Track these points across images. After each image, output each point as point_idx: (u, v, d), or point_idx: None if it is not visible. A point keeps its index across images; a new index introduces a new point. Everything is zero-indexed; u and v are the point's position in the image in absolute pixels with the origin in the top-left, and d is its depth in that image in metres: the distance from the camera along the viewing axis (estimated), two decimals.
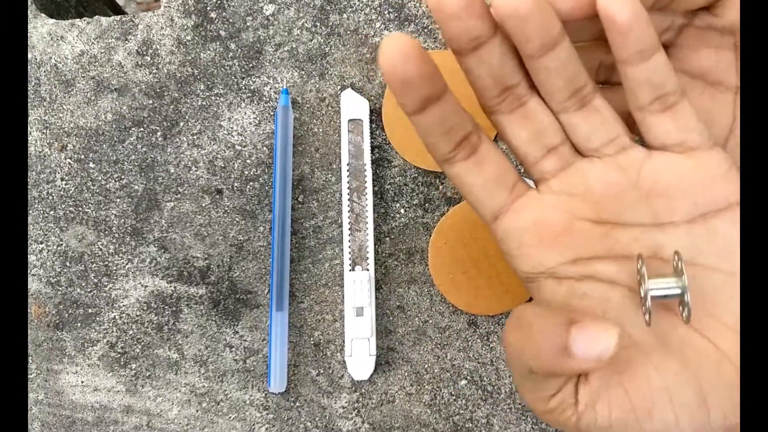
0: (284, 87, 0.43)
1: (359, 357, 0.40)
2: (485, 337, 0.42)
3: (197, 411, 0.41)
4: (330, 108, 0.43)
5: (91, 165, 0.43)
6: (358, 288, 0.40)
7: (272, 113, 0.43)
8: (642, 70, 0.24)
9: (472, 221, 0.42)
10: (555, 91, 0.25)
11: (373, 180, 0.42)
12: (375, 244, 0.42)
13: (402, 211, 0.42)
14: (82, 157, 0.43)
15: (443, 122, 0.24)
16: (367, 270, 0.41)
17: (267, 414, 0.41)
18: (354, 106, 0.42)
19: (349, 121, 0.42)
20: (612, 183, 0.25)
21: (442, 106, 0.24)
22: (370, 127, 0.43)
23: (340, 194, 0.42)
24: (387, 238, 0.42)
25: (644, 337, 0.24)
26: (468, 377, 0.41)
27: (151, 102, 0.43)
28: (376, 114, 0.43)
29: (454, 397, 0.41)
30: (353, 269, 0.41)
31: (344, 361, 0.41)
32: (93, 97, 0.43)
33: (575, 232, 0.25)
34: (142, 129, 0.43)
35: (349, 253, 0.41)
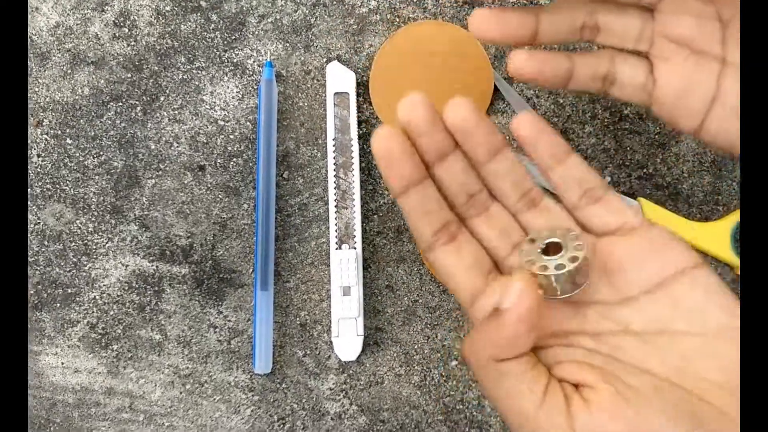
0: (268, 60, 0.41)
1: (346, 337, 0.39)
2: None
3: (181, 393, 0.40)
4: (315, 81, 0.42)
5: (69, 141, 0.41)
6: (345, 267, 0.39)
7: (256, 87, 0.41)
8: (561, 172, 0.28)
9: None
10: (505, 194, 0.29)
11: (361, 156, 0.41)
12: (362, 222, 0.41)
13: None
14: (59, 132, 0.41)
15: (425, 204, 0.28)
16: (355, 248, 0.40)
17: (252, 396, 0.40)
18: (340, 78, 0.41)
19: (335, 94, 0.41)
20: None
21: (425, 189, 0.28)
22: (357, 100, 0.41)
23: (326, 170, 0.41)
24: (375, 216, 0.41)
25: (640, 383, 0.25)
26: (459, 358, 0.40)
27: (129, 75, 0.41)
28: (363, 87, 0.41)
29: (444, 378, 0.40)
30: (340, 248, 0.40)
31: (331, 342, 0.40)
32: (69, 71, 0.41)
33: (549, 313, 0.28)
34: (120, 104, 0.41)
35: (336, 231, 0.40)
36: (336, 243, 0.40)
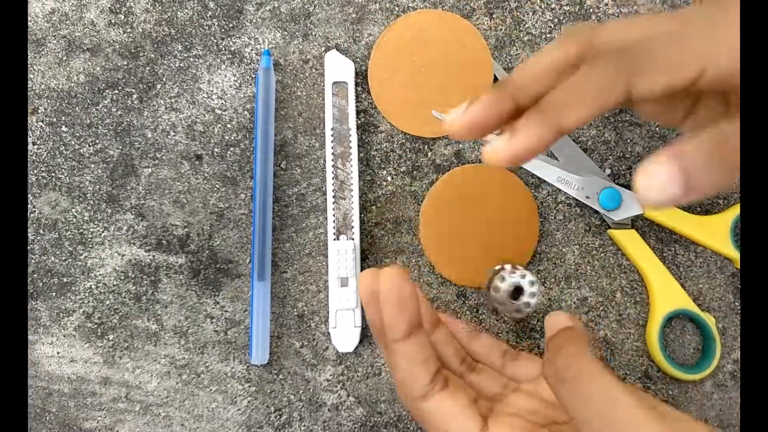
0: (266, 48, 0.41)
1: (344, 328, 0.39)
2: (475, 309, 0.40)
3: (177, 383, 0.40)
4: (314, 70, 0.41)
5: (64, 129, 0.41)
6: (343, 258, 0.39)
7: (253, 76, 0.41)
8: (478, 343, 0.36)
9: (463, 192, 0.40)
10: (447, 360, 0.35)
11: (359, 146, 0.41)
12: (360, 213, 0.40)
13: (389, 178, 0.41)
14: (54, 120, 0.41)
15: (422, 350, 0.29)
16: (353, 239, 0.40)
17: (249, 386, 0.40)
18: (338, 68, 0.40)
19: (334, 83, 0.40)
20: (527, 406, 0.33)
21: (420, 336, 0.29)
22: (356, 90, 0.41)
23: (324, 160, 0.41)
24: (373, 207, 0.41)
25: None
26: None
27: (125, 63, 0.41)
28: (362, 77, 0.41)
29: None
30: (338, 238, 0.40)
31: (329, 333, 0.40)
32: (65, 58, 0.41)
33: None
34: (116, 91, 0.41)
35: (333, 221, 0.40)
36: (334, 234, 0.39)
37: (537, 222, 0.40)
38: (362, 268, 0.40)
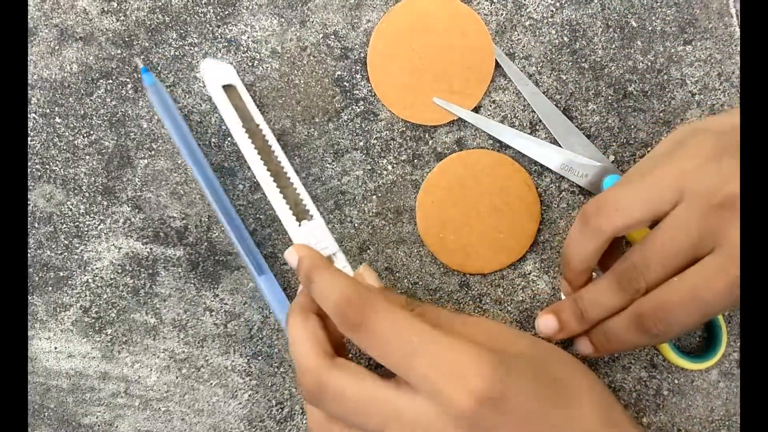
0: (143, 67, 0.38)
1: None
2: (478, 299, 0.40)
3: (177, 377, 0.40)
4: (312, 58, 0.40)
5: (57, 120, 0.40)
6: (319, 238, 0.35)
7: (250, 64, 0.40)
8: None
9: (460, 176, 0.39)
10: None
11: (359, 135, 0.40)
12: (361, 202, 0.40)
13: (390, 167, 0.40)
14: (48, 111, 0.40)
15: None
16: (312, 217, 0.35)
17: (250, 380, 0.39)
18: (220, 73, 0.36)
19: (224, 87, 0.36)
20: None
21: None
22: (355, 78, 0.40)
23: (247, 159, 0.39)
24: (374, 197, 0.40)
25: None
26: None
27: (119, 52, 0.40)
28: (360, 64, 0.40)
29: None
30: (300, 225, 0.35)
31: None
32: (57, 47, 0.40)
33: None
34: (110, 81, 0.40)
35: (290, 210, 0.35)
36: (297, 223, 0.35)
37: (539, 209, 0.40)
38: (364, 259, 0.40)
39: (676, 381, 0.40)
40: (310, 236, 0.35)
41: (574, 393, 0.30)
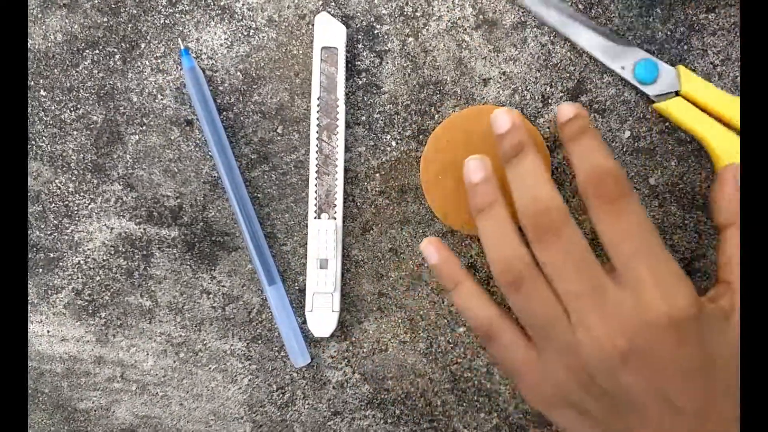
0: (184, 48, 0.37)
1: (321, 312, 0.37)
2: (485, 282, 0.38)
3: (174, 362, 0.38)
4: (311, 26, 0.38)
5: (42, 93, 0.38)
6: (323, 238, 0.36)
7: (246, 33, 0.38)
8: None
9: (465, 135, 0.36)
10: None
11: (361, 109, 0.38)
12: (364, 181, 0.38)
13: (393, 143, 0.38)
14: (32, 84, 0.38)
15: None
16: (335, 218, 0.37)
17: (249, 364, 0.38)
18: (329, 32, 0.36)
19: (323, 49, 0.37)
20: None
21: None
22: (357, 48, 0.38)
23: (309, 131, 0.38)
24: (377, 174, 0.38)
25: None
26: (466, 324, 0.38)
27: (105, 20, 0.38)
28: (363, 33, 0.38)
29: (451, 345, 0.38)
30: (318, 217, 0.37)
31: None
32: (39, 15, 0.38)
33: None
34: (97, 51, 0.38)
35: (315, 198, 0.37)
36: (315, 212, 0.37)
37: (547, 156, 0.37)
38: (366, 240, 0.38)
39: None
40: (321, 233, 0.36)
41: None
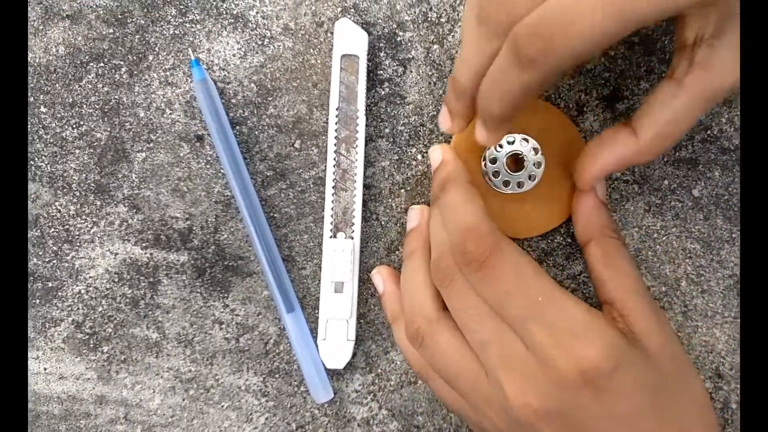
0: (194, 59, 0.35)
1: (334, 341, 0.34)
2: None
3: (183, 400, 0.35)
4: (329, 35, 0.36)
5: (43, 109, 0.35)
6: (339, 259, 0.34)
7: (260, 42, 0.35)
8: None
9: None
10: None
11: (384, 121, 0.35)
12: (388, 197, 0.35)
13: (419, 157, 0.36)
14: (31, 99, 0.35)
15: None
16: (351, 238, 0.34)
17: (266, 401, 0.35)
18: (349, 39, 0.34)
19: (343, 57, 0.35)
20: None
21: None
22: (378, 56, 0.35)
23: (327, 145, 0.35)
24: (401, 190, 0.36)
25: None
26: None
27: (111, 31, 0.36)
28: (384, 40, 0.36)
29: None
30: (334, 236, 0.34)
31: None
32: (41, 27, 0.36)
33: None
34: (102, 64, 0.36)
35: (332, 216, 0.34)
36: (331, 231, 0.34)
37: (581, 142, 0.34)
38: (393, 262, 0.35)
39: None
40: (337, 253, 0.34)
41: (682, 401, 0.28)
